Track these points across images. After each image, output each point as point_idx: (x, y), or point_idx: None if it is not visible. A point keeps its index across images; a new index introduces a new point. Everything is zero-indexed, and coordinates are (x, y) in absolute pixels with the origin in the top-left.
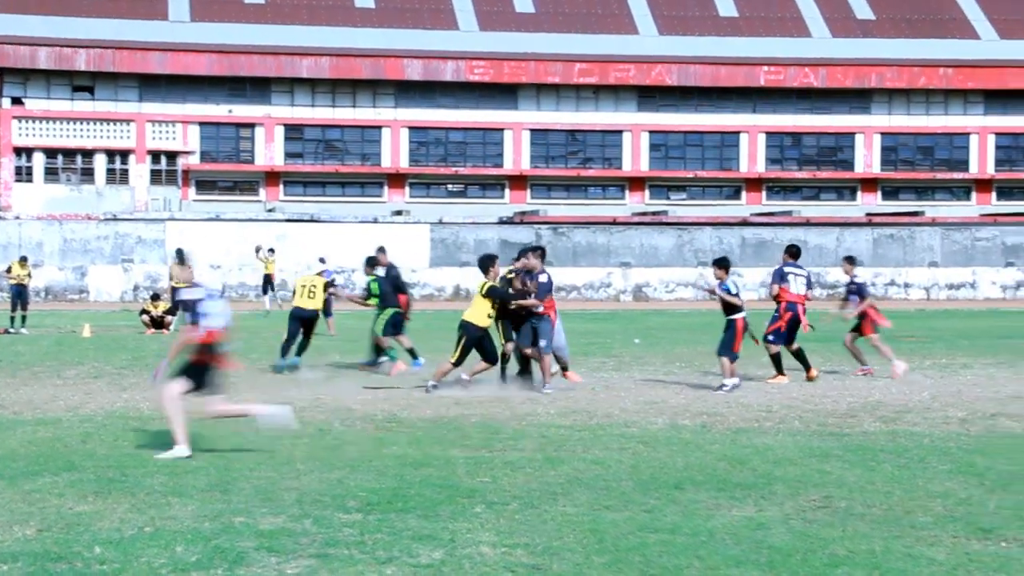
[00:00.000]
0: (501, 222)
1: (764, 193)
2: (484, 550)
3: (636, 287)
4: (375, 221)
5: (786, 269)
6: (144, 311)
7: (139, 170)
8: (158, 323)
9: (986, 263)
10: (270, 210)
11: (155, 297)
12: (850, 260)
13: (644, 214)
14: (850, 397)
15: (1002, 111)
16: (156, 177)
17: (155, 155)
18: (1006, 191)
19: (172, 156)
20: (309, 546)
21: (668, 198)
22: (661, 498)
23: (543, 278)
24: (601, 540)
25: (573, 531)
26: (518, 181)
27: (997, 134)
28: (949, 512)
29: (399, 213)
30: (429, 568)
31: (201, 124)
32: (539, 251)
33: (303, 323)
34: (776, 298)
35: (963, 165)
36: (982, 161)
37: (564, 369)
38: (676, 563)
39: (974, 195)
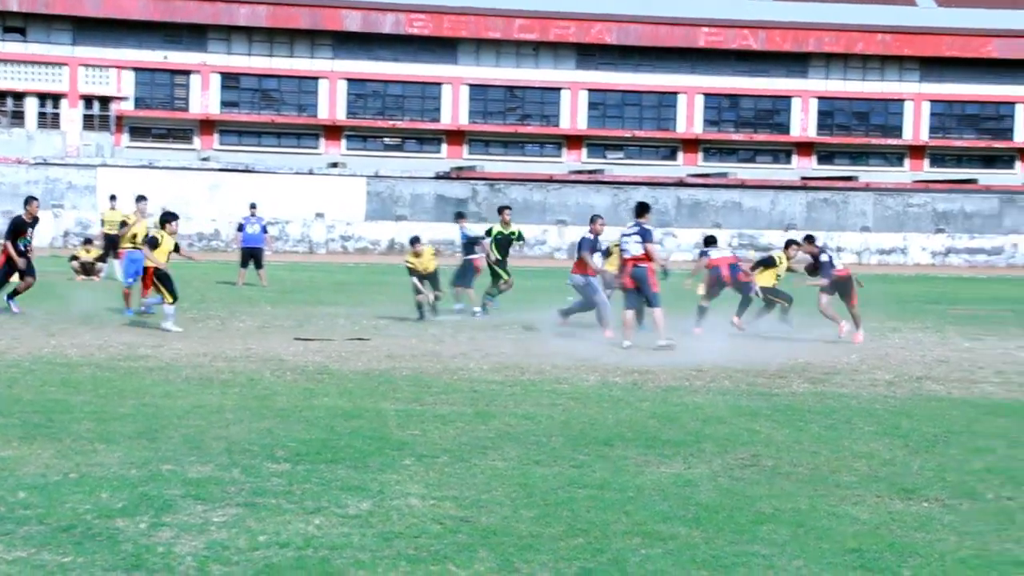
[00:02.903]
0: (438, 177)
1: (701, 154)
2: (413, 502)
3: (571, 245)
4: (311, 173)
5: (622, 236)
6: (74, 257)
7: (71, 115)
8: (88, 269)
9: (917, 229)
10: (204, 159)
11: (87, 242)
12: (810, 240)
13: (581, 172)
14: (780, 358)
15: (937, 79)
16: (89, 122)
17: (88, 100)
18: (939, 158)
19: (105, 101)
20: (237, 495)
21: (605, 157)
22: (591, 454)
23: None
24: (530, 494)
25: (502, 485)
26: (456, 136)
27: (932, 101)
28: (873, 472)
29: (335, 165)
30: (357, 519)
31: (136, 70)
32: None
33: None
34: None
35: (897, 131)
36: (916, 128)
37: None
38: (604, 518)
39: (907, 161)
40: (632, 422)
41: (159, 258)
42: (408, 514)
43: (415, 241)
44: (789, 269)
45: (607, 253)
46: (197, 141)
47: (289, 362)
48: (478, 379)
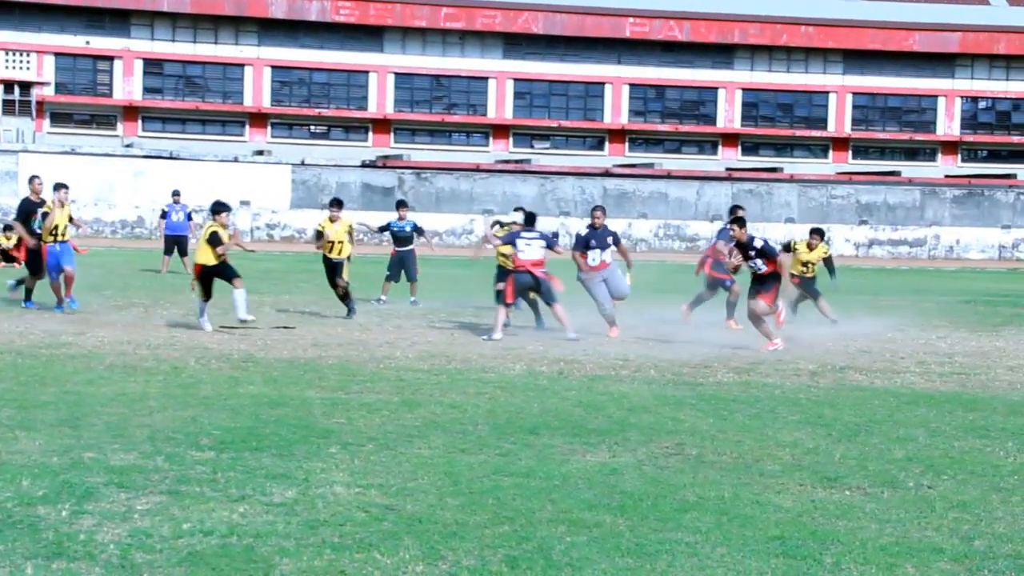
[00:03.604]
0: (364, 166)
1: (627, 145)
2: (338, 490)
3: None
4: (236, 160)
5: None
6: None
7: None
8: (8, 256)
9: (841, 220)
10: (127, 145)
11: (6, 229)
12: (739, 221)
13: (507, 162)
14: (705, 348)
15: (860, 71)
16: (8, 107)
17: (7, 85)
18: (862, 150)
19: (26, 86)
20: (160, 483)
21: (532, 147)
22: (516, 442)
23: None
24: (456, 482)
25: (428, 473)
26: (382, 125)
27: (855, 93)
28: (797, 461)
29: (260, 153)
30: (282, 507)
31: (57, 55)
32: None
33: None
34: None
35: (821, 123)
36: (839, 120)
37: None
38: (529, 506)
39: (831, 153)
40: (558, 411)
41: (205, 256)
42: (333, 502)
43: (336, 203)
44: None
45: (615, 242)
46: (120, 127)
47: (214, 350)
48: (404, 368)
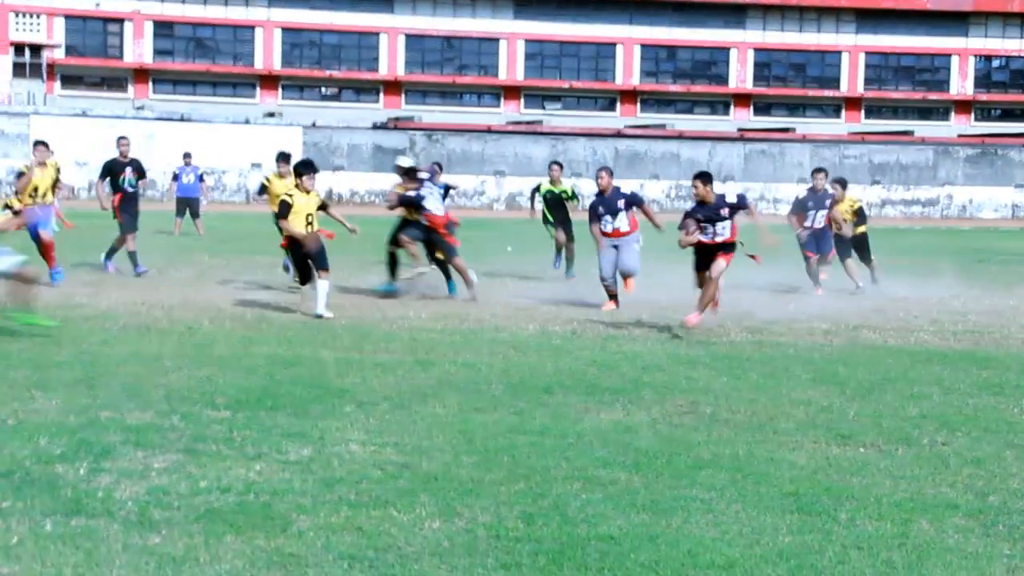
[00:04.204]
0: (375, 127)
1: (639, 105)
2: (353, 448)
3: (510, 196)
4: (247, 122)
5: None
6: (7, 206)
7: (1, 62)
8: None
9: (853, 180)
10: (139, 108)
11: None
12: (704, 177)
13: (519, 123)
14: (719, 308)
15: (873, 30)
16: (19, 70)
17: (18, 47)
18: (875, 110)
19: (36, 49)
20: (177, 441)
21: (543, 108)
22: (531, 401)
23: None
24: (470, 440)
25: (443, 431)
26: (393, 87)
27: (867, 53)
28: (811, 418)
29: (271, 115)
30: (298, 465)
31: (67, 17)
32: None
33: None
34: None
35: (834, 83)
36: (852, 80)
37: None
38: (544, 464)
39: (844, 113)
40: (572, 370)
41: (296, 224)
42: (349, 460)
43: (283, 158)
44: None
45: (633, 203)
46: (131, 90)
47: (227, 311)
48: (418, 328)
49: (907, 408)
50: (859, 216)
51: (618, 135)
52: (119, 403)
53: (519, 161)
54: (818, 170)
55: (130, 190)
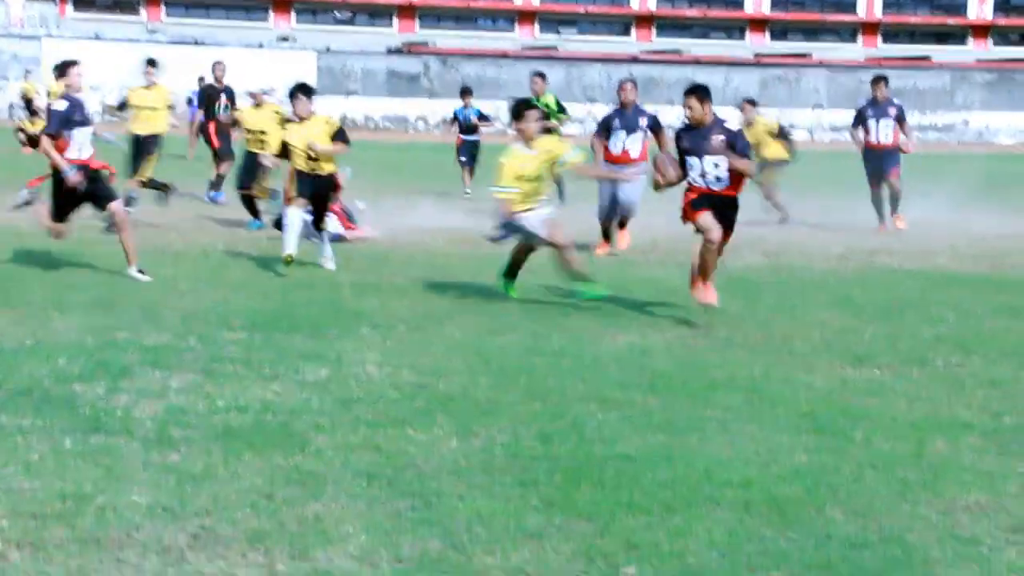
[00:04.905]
0: (389, 52)
1: (654, 30)
2: (370, 369)
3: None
4: (260, 46)
5: None
6: (20, 129)
7: None
8: (35, 141)
9: None
10: (152, 32)
11: (33, 115)
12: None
13: (534, 48)
14: (734, 233)
15: None
16: None
17: None
18: (892, 34)
19: None
20: (194, 362)
21: (558, 33)
22: (547, 324)
23: None
24: (487, 362)
25: (459, 353)
26: (407, 11)
27: None
28: (826, 341)
29: (285, 40)
30: (315, 385)
31: None
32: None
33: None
34: None
35: (851, 7)
36: (869, 3)
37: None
38: (561, 385)
39: (861, 38)
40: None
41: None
42: (366, 381)
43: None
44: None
45: (656, 127)
46: (144, 13)
47: (242, 235)
48: (435, 252)
49: (923, 331)
50: (782, 137)
51: (633, 60)
52: (136, 324)
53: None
54: (878, 79)
55: (223, 117)
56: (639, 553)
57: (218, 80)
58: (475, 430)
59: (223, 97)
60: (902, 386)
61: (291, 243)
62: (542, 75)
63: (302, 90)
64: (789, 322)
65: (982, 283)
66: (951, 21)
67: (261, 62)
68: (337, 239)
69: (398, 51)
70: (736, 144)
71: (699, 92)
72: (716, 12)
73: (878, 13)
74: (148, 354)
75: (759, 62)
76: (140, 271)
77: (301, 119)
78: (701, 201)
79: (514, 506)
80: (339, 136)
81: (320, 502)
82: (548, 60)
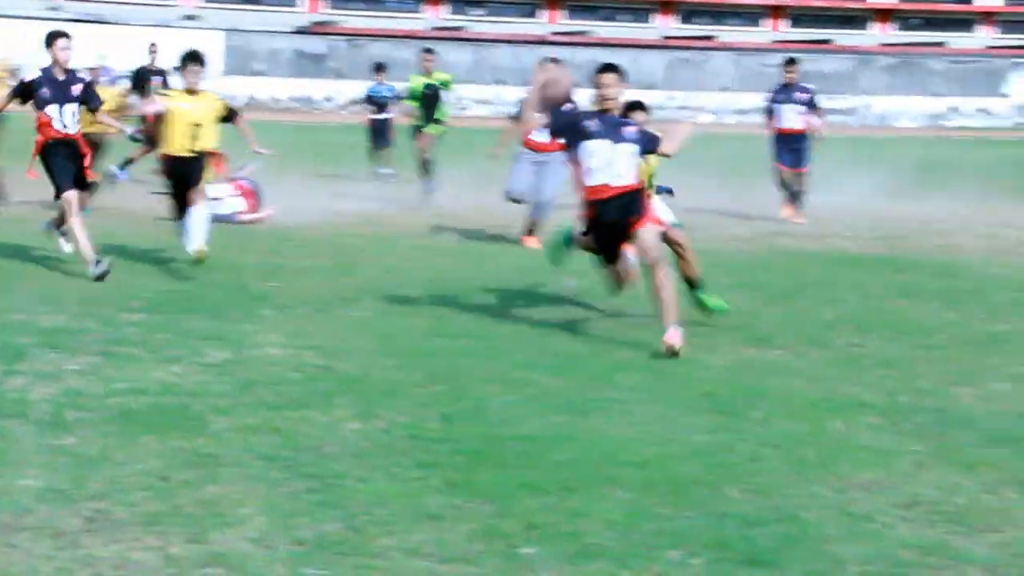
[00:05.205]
0: (296, 32)
1: (563, 12)
2: (272, 351)
3: None
4: (168, 26)
5: None
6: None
7: None
8: None
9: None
10: (53, 8)
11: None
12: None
13: (442, 29)
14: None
15: None
16: None
17: None
18: (797, 18)
19: None
20: (92, 344)
21: (466, 14)
22: (451, 305)
23: None
24: (391, 343)
25: (363, 334)
26: None
27: None
28: (728, 322)
29: (191, 18)
30: (216, 367)
31: None
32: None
33: None
34: None
35: None
36: None
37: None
38: (463, 366)
39: (767, 21)
40: (493, 275)
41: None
42: (267, 363)
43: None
44: None
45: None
46: None
47: (142, 215)
48: (340, 233)
49: (823, 312)
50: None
51: (542, 42)
52: (32, 306)
53: (442, 68)
54: (790, 61)
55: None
56: (538, 533)
57: (152, 62)
58: (377, 412)
59: (155, 80)
60: (801, 366)
61: (198, 237)
62: (430, 50)
63: (194, 59)
64: (692, 303)
65: (881, 264)
66: (853, 4)
67: (167, 41)
68: (226, 220)
69: (305, 31)
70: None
71: (613, 71)
72: None
73: None
74: (45, 336)
75: (667, 45)
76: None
77: (191, 92)
78: (601, 227)
79: (415, 487)
80: (228, 117)
81: (218, 485)
82: (456, 41)
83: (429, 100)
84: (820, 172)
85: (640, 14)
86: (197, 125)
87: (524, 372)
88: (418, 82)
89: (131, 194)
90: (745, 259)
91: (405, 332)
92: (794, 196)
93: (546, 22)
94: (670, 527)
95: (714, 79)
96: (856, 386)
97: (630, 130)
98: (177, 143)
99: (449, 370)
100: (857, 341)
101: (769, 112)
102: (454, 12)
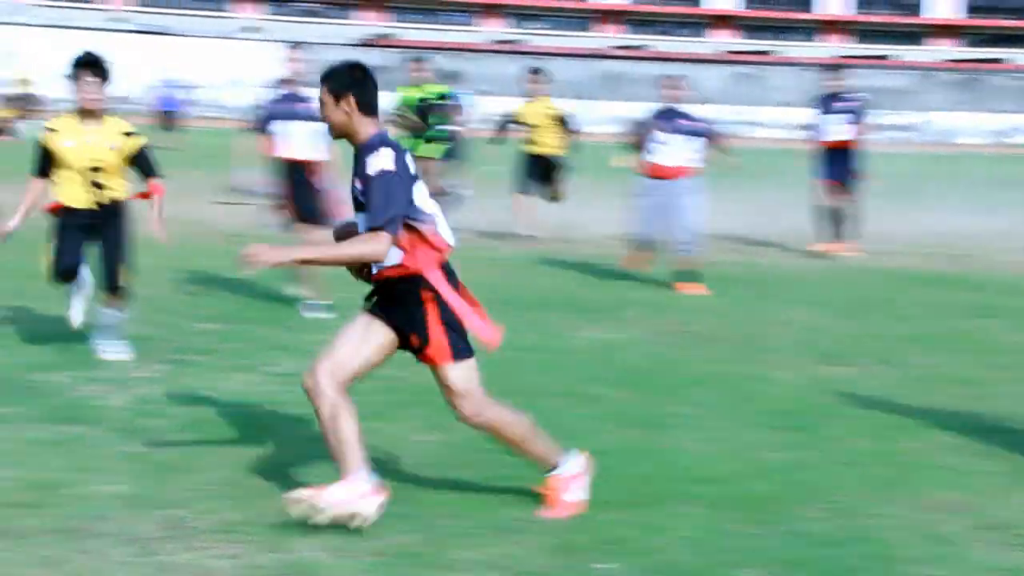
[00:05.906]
0: (357, 45)
1: (623, 26)
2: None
3: (487, 115)
4: (227, 37)
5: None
6: None
7: None
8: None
9: None
10: (119, 20)
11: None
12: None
13: (501, 42)
14: (706, 231)
15: None
16: None
17: None
18: (859, 33)
19: None
20: (164, 352)
21: (521, 27)
22: (516, 318)
23: None
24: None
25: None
26: (373, 3)
27: None
28: (797, 339)
29: (256, 30)
30: (286, 376)
31: None
32: None
33: None
34: None
35: (810, 4)
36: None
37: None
38: (532, 379)
39: (826, 37)
40: (558, 287)
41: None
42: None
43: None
44: None
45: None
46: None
47: (210, 224)
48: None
49: (892, 329)
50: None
51: (600, 56)
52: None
53: (498, 80)
54: (831, 68)
55: None
56: (613, 548)
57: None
58: (449, 423)
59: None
60: (873, 384)
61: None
62: (420, 59)
63: (88, 65)
64: (760, 319)
65: (949, 281)
66: (915, 20)
67: (229, 54)
68: None
69: (367, 44)
70: None
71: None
72: (680, 8)
73: (844, 11)
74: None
75: (725, 59)
76: None
77: (85, 113)
78: None
79: (490, 500)
80: (141, 164)
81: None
82: (513, 54)
83: (423, 116)
84: (880, 187)
85: (699, 28)
86: (98, 168)
87: (594, 386)
88: (411, 95)
89: (196, 205)
90: (811, 276)
91: (474, 344)
92: (837, 223)
93: (603, 35)
94: (746, 545)
95: (774, 94)
96: (930, 405)
97: None
98: (71, 192)
99: (517, 383)
100: (927, 359)
101: (813, 125)
102: (511, 25)
